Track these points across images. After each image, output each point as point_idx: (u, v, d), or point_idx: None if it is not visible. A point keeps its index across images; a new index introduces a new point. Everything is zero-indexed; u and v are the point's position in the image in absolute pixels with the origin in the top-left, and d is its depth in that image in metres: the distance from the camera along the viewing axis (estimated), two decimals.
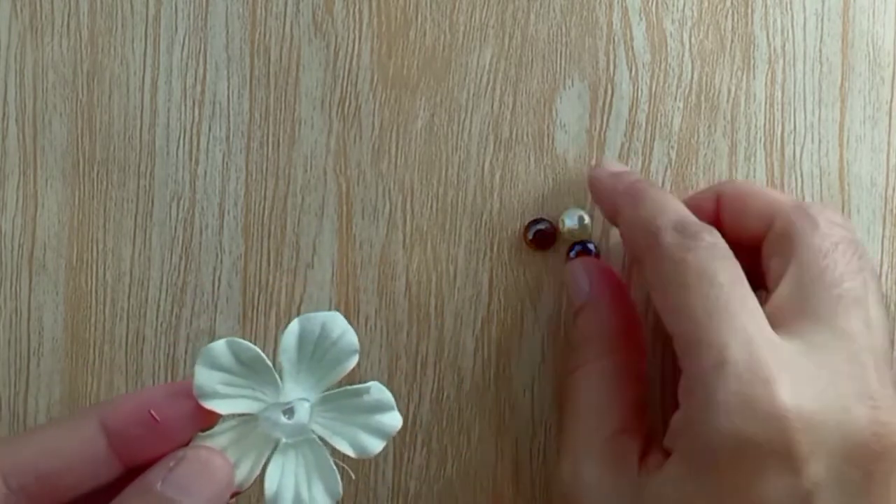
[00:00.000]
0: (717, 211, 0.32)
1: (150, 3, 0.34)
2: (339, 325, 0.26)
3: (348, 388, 0.27)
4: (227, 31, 0.34)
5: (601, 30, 0.34)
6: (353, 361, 0.26)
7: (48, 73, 0.34)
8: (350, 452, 0.27)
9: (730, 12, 0.34)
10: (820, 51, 0.34)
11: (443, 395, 0.34)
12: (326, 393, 0.27)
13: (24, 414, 0.34)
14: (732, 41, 0.34)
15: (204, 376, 0.26)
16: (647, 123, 0.34)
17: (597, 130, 0.34)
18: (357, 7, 0.34)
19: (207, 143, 0.34)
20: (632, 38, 0.34)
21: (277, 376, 0.26)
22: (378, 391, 0.27)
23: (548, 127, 0.34)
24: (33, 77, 0.34)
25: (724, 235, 0.30)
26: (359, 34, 0.34)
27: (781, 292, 0.28)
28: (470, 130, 0.34)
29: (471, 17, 0.34)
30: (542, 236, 0.33)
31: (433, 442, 0.34)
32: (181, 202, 0.34)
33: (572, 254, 0.34)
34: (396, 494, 0.34)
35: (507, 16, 0.34)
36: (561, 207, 0.34)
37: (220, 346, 0.26)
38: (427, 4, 0.34)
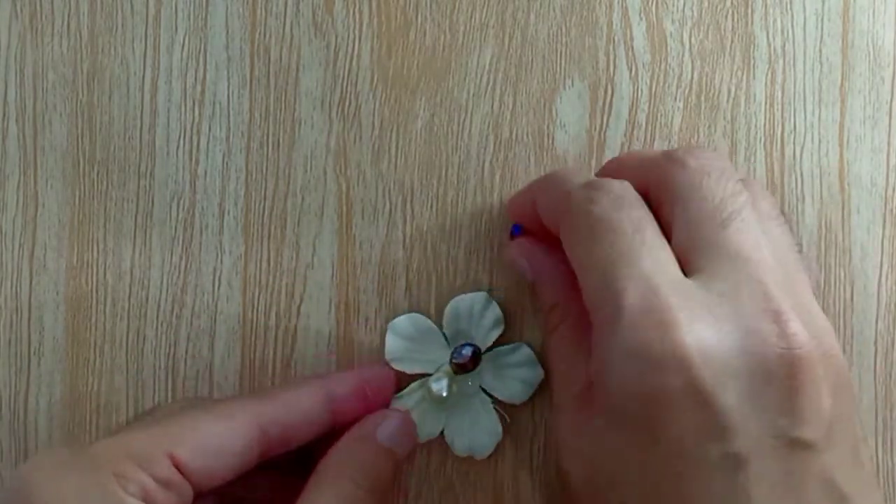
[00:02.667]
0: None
1: (150, 3, 0.34)
2: (482, 302, 0.33)
3: (501, 347, 0.33)
4: (227, 31, 0.34)
5: (601, 30, 0.34)
6: (500, 328, 0.33)
7: (48, 73, 0.34)
8: (505, 399, 0.33)
9: (730, 12, 0.34)
10: (820, 51, 0.34)
11: None
12: (484, 353, 0.33)
13: (25, 414, 0.34)
14: (732, 41, 0.34)
15: (394, 343, 0.33)
16: (647, 123, 0.34)
17: (597, 130, 0.34)
18: (357, 7, 0.34)
19: (207, 143, 0.34)
20: (632, 38, 0.34)
21: (446, 342, 0.33)
22: (525, 350, 0.33)
23: (548, 127, 0.34)
24: (33, 77, 0.34)
25: None
26: (359, 34, 0.34)
27: (675, 238, 0.28)
28: (470, 130, 0.34)
29: (471, 17, 0.34)
30: (463, 363, 0.33)
31: (433, 442, 0.34)
32: (181, 202, 0.34)
33: (516, 231, 0.33)
34: (396, 494, 0.34)
35: (507, 16, 0.34)
36: None
37: (403, 319, 0.33)
38: (427, 4, 0.34)
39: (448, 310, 0.33)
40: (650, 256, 0.27)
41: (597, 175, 0.32)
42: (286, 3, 0.34)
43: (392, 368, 0.33)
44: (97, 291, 0.34)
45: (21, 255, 0.34)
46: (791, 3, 0.34)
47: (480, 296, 0.33)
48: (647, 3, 0.34)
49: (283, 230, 0.34)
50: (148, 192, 0.34)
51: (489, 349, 0.33)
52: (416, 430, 0.33)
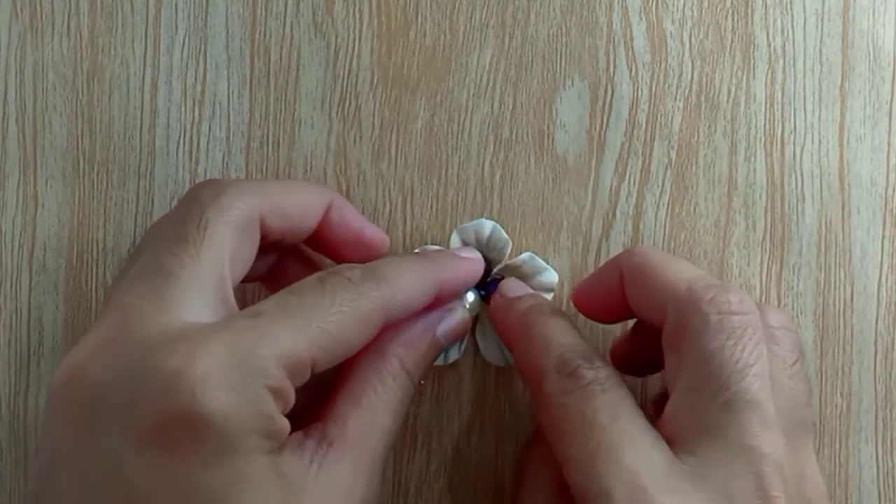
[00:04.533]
0: (622, 287, 0.30)
1: (150, 3, 0.34)
2: (487, 225, 0.33)
3: (508, 263, 0.33)
4: (227, 31, 0.34)
5: (601, 30, 0.34)
6: (509, 248, 0.33)
7: (48, 73, 0.34)
8: None
9: (730, 12, 0.34)
10: (820, 51, 0.34)
11: (443, 395, 0.34)
12: (495, 272, 0.33)
13: (25, 413, 0.34)
14: (732, 41, 0.34)
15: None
16: (647, 123, 0.34)
17: (597, 130, 0.34)
18: (357, 7, 0.34)
19: (207, 143, 0.34)
20: (632, 38, 0.34)
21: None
22: (531, 259, 0.33)
23: (548, 127, 0.34)
24: (33, 77, 0.34)
25: (634, 314, 0.30)
26: (359, 34, 0.34)
27: (673, 403, 0.27)
28: (470, 130, 0.34)
29: (471, 17, 0.34)
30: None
31: (433, 442, 0.34)
32: None
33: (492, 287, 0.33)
34: (396, 494, 0.34)
35: (507, 16, 0.34)
36: (561, 207, 0.34)
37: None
38: (427, 4, 0.34)
39: (452, 239, 0.33)
40: (632, 447, 0.26)
41: (617, 265, 0.31)
42: (286, 3, 0.34)
43: (482, 261, 0.33)
44: (97, 291, 0.34)
45: (21, 255, 0.34)
46: (791, 3, 0.34)
47: (482, 222, 0.33)
48: (647, 3, 0.34)
49: None
50: (148, 192, 0.34)
51: (503, 267, 0.33)
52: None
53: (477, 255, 0.33)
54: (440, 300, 0.30)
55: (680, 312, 0.28)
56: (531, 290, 0.32)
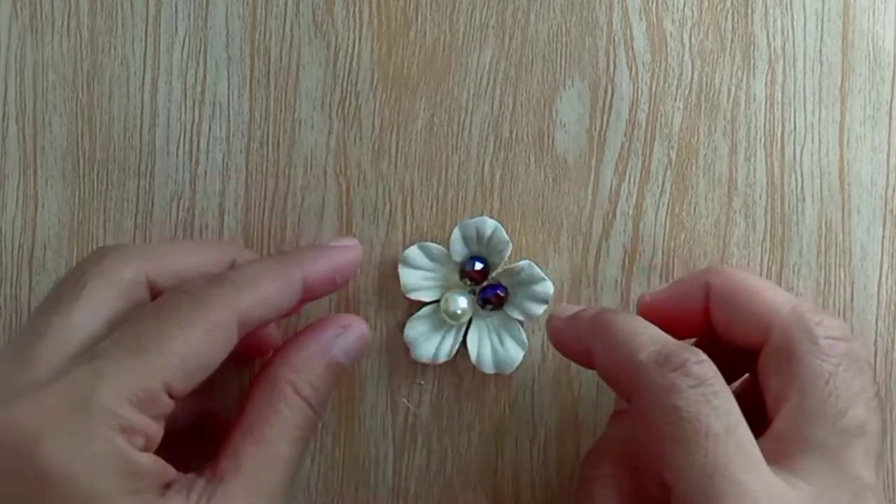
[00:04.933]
0: (706, 303, 0.30)
1: (150, 3, 0.34)
2: (489, 224, 0.33)
3: (507, 267, 0.33)
4: (227, 31, 0.34)
5: (601, 30, 0.34)
6: (509, 250, 0.33)
7: (48, 73, 0.34)
8: (520, 317, 0.33)
9: (730, 12, 0.34)
10: (820, 51, 0.34)
11: (443, 395, 0.34)
12: (493, 275, 0.33)
13: None
14: (732, 41, 0.34)
15: (408, 275, 0.33)
16: (647, 123, 0.34)
17: (597, 130, 0.34)
18: (357, 7, 0.34)
19: (207, 143, 0.34)
20: (632, 38, 0.34)
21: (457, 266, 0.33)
22: (529, 267, 0.33)
23: (548, 127, 0.34)
24: (33, 77, 0.34)
25: (714, 332, 0.29)
26: (359, 34, 0.34)
27: (783, 422, 0.27)
28: (470, 130, 0.34)
29: (471, 17, 0.34)
30: (476, 273, 0.33)
31: (433, 442, 0.34)
32: (181, 202, 0.34)
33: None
34: (396, 494, 0.34)
35: (507, 16, 0.34)
36: (561, 207, 0.34)
37: (413, 250, 0.33)
38: (427, 4, 0.34)
39: (453, 235, 0.33)
40: (750, 467, 0.25)
41: (703, 282, 0.30)
42: (286, 3, 0.34)
43: (358, 248, 0.31)
44: None
45: (21, 255, 0.34)
46: (791, 3, 0.34)
47: (484, 219, 0.33)
48: (647, 3, 0.34)
49: (283, 230, 0.34)
50: (148, 192, 0.34)
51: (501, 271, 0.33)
52: (417, 350, 0.33)
53: (352, 242, 0.32)
54: (313, 295, 0.29)
55: (786, 335, 0.28)
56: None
